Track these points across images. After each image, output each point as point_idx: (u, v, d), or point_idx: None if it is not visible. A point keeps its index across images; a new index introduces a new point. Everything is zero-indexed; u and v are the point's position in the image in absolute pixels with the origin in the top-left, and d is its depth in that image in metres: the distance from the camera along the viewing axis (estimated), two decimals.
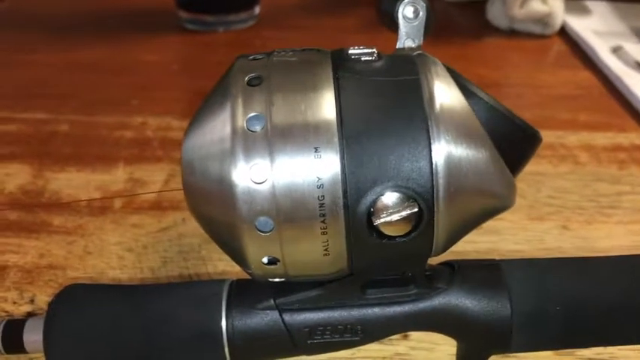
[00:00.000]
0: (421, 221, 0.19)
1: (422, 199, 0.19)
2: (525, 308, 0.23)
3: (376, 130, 0.19)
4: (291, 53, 0.21)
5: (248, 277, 0.22)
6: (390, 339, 0.29)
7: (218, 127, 0.19)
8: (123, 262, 0.34)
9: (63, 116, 0.48)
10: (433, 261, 0.22)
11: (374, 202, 0.19)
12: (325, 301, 0.22)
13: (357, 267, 0.21)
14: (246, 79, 0.20)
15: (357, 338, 0.23)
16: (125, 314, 0.23)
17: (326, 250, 0.20)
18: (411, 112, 0.19)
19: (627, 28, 0.63)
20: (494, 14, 0.64)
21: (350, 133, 0.19)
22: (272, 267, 0.20)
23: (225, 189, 0.19)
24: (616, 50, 0.58)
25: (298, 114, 0.19)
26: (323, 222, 0.19)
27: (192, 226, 0.36)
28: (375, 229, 0.19)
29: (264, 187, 0.19)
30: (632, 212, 0.39)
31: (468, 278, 0.23)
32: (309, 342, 0.23)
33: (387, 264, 0.21)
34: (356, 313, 0.23)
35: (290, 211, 0.19)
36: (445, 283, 0.23)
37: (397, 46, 0.23)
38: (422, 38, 0.23)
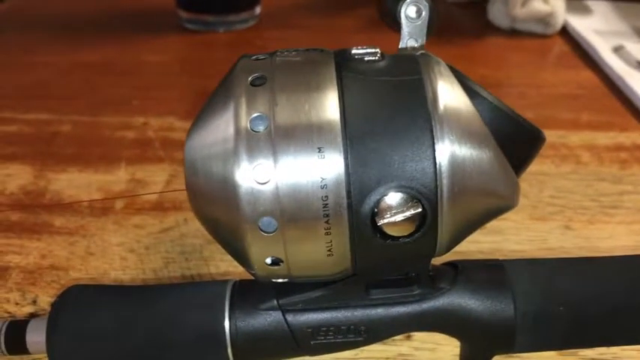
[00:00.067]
0: (425, 221, 0.19)
1: (426, 199, 0.19)
2: (529, 308, 0.23)
3: (380, 130, 0.19)
4: (294, 53, 0.21)
5: (251, 277, 0.22)
6: (394, 339, 0.29)
7: (221, 127, 0.19)
8: (125, 263, 0.34)
9: (64, 117, 0.48)
10: (436, 261, 0.22)
11: (378, 202, 0.19)
12: (328, 302, 0.22)
13: (361, 267, 0.21)
14: (250, 79, 0.20)
15: (360, 339, 0.23)
16: (127, 315, 0.23)
17: (329, 250, 0.20)
18: (415, 112, 0.19)
19: (629, 27, 0.63)
20: (496, 14, 0.64)
21: (354, 134, 0.19)
22: (275, 267, 0.20)
23: (228, 189, 0.19)
24: (617, 50, 0.58)
25: (302, 114, 0.19)
26: (327, 222, 0.19)
27: (194, 226, 0.36)
28: (379, 230, 0.19)
29: (268, 188, 0.19)
30: (634, 212, 0.39)
31: (471, 278, 0.23)
32: (312, 342, 0.23)
33: (391, 264, 0.21)
34: (359, 313, 0.23)
35: (294, 212, 0.19)
36: (448, 284, 0.23)
37: (400, 46, 0.23)
38: (424, 38, 0.23)
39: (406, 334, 0.29)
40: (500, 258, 0.25)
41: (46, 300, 0.32)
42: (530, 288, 0.23)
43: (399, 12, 0.23)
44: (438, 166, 0.19)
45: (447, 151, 0.19)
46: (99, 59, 0.59)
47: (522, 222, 0.37)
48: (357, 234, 0.19)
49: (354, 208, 0.19)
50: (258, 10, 0.65)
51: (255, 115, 0.19)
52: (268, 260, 0.20)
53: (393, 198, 0.19)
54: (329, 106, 0.19)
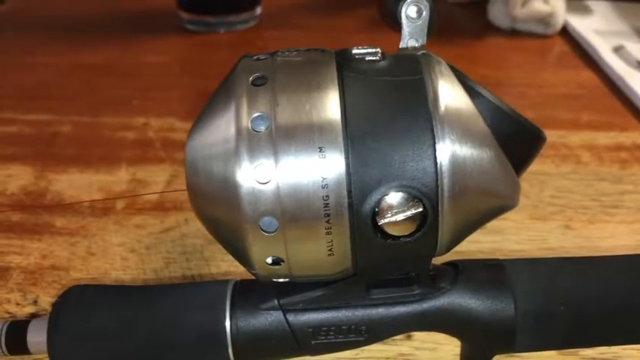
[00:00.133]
0: (426, 221, 0.19)
1: (426, 198, 0.19)
2: (529, 308, 0.23)
3: (381, 130, 0.19)
4: (295, 53, 0.21)
5: (252, 277, 0.22)
6: (394, 339, 0.29)
7: (222, 127, 0.19)
8: (126, 263, 0.34)
9: (65, 117, 0.48)
10: (437, 261, 0.22)
11: (378, 202, 0.19)
12: (329, 302, 0.22)
13: (362, 267, 0.21)
14: (251, 79, 0.20)
15: (361, 338, 0.23)
16: (128, 315, 0.23)
17: (330, 250, 0.20)
18: (416, 112, 0.19)
19: (629, 27, 0.63)
20: (496, 14, 0.64)
21: (354, 133, 0.19)
22: (276, 267, 0.20)
23: (229, 189, 0.19)
24: (618, 50, 0.58)
25: (303, 114, 0.19)
26: (327, 222, 0.19)
27: (195, 226, 0.36)
28: (380, 229, 0.19)
29: (269, 188, 0.19)
30: (634, 211, 0.39)
31: (471, 278, 0.23)
32: (313, 342, 0.23)
33: (392, 264, 0.21)
34: (360, 313, 0.23)
35: (294, 212, 0.19)
36: (449, 283, 0.23)
37: (400, 46, 0.23)
38: (425, 38, 0.23)
39: (407, 334, 0.29)
40: (501, 258, 0.25)
41: (46, 300, 0.32)
42: (531, 288, 0.23)
43: (400, 12, 0.23)
44: (438, 165, 0.19)
45: (448, 150, 0.19)
46: (100, 60, 0.59)
47: (523, 222, 0.37)
48: (357, 233, 0.19)
49: (355, 208, 0.19)
50: (258, 10, 0.65)
51: (256, 115, 0.19)
52: (269, 260, 0.20)
53: (394, 197, 0.19)
54: (330, 105, 0.19)
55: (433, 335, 0.25)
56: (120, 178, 0.41)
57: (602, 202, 0.39)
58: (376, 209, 0.19)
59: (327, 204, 0.19)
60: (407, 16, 0.23)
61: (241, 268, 0.22)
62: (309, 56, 0.21)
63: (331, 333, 0.23)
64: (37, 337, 0.23)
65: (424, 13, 0.23)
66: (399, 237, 0.19)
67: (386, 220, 0.19)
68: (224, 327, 0.22)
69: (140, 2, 0.70)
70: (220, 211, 0.20)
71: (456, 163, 0.19)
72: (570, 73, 0.57)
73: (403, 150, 0.19)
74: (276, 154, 0.19)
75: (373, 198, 0.19)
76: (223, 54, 0.60)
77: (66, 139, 0.46)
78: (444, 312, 0.23)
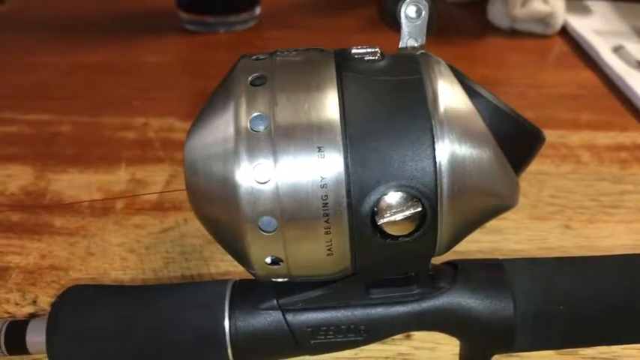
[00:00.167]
0: (425, 221, 0.19)
1: (426, 198, 0.19)
2: (528, 308, 0.23)
3: (380, 130, 0.19)
4: (294, 53, 0.21)
5: (251, 277, 0.22)
6: (393, 339, 0.29)
7: (221, 127, 0.19)
8: (125, 263, 0.34)
9: (65, 117, 0.48)
10: (436, 260, 0.22)
11: (377, 201, 0.19)
12: (328, 301, 0.22)
13: (361, 267, 0.21)
14: (250, 78, 0.20)
15: (360, 338, 0.23)
16: (128, 315, 0.23)
17: (329, 249, 0.20)
18: (415, 112, 0.19)
19: (628, 27, 0.63)
20: (496, 14, 0.64)
21: (353, 133, 0.19)
22: (275, 267, 0.20)
23: (228, 189, 0.19)
24: (617, 50, 0.58)
25: (302, 114, 0.19)
26: (326, 222, 0.19)
27: (194, 226, 0.36)
28: (379, 229, 0.19)
29: (268, 187, 0.19)
30: (634, 211, 0.39)
31: (471, 278, 0.23)
32: (312, 342, 0.23)
33: (391, 264, 0.21)
34: (359, 313, 0.23)
35: (293, 211, 0.19)
36: (448, 283, 0.23)
37: (400, 46, 0.23)
38: (424, 38, 0.23)
39: (406, 334, 0.29)
40: (500, 257, 0.25)
41: (46, 300, 0.32)
42: (530, 287, 0.23)
43: (399, 12, 0.23)
44: (437, 165, 0.19)
45: (447, 150, 0.19)
46: (99, 60, 0.59)
47: (522, 221, 0.37)
48: (356, 233, 0.19)
49: (354, 208, 0.19)
50: (258, 10, 0.65)
51: (255, 114, 0.19)
52: (268, 260, 0.20)
53: (393, 197, 0.19)
54: (329, 105, 0.19)
55: (432, 335, 0.25)
56: (119, 178, 0.41)
57: (602, 202, 0.39)
58: (375, 209, 0.19)
59: (326, 204, 0.19)
60: (406, 16, 0.23)
61: (240, 268, 0.22)
62: (308, 56, 0.21)
63: (330, 333, 0.23)
64: (36, 337, 0.23)
65: (423, 13, 0.23)
66: (398, 237, 0.19)
67: (385, 220, 0.19)
68: (223, 327, 0.22)
69: (140, 2, 0.70)
70: (219, 211, 0.20)
71: (455, 163, 0.19)
72: (570, 73, 0.57)
73: (402, 150, 0.19)
74: (275, 153, 0.19)
75: (372, 198, 0.19)
76: (223, 54, 0.60)
77: (66, 139, 0.46)
78: (443, 312, 0.23)
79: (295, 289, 0.22)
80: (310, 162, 0.19)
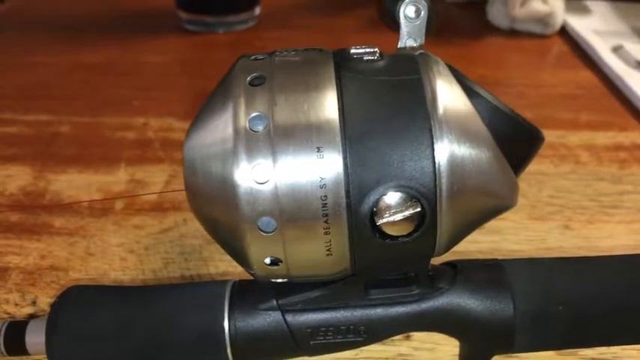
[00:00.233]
0: (424, 221, 0.19)
1: (425, 198, 0.19)
2: (528, 308, 0.23)
3: (379, 130, 0.19)
4: (293, 53, 0.21)
5: (250, 277, 0.22)
6: (393, 339, 0.29)
7: (220, 127, 0.19)
8: (125, 264, 0.34)
9: (64, 117, 0.48)
10: (435, 261, 0.22)
11: (377, 202, 0.19)
12: (328, 302, 0.22)
13: (360, 267, 0.21)
14: (249, 78, 0.20)
15: (360, 339, 0.23)
16: (127, 316, 0.23)
17: (329, 250, 0.20)
18: (414, 112, 0.19)
19: (628, 27, 0.63)
20: (495, 14, 0.64)
21: (352, 133, 0.19)
22: (274, 267, 0.20)
23: (227, 189, 0.19)
24: (616, 50, 0.58)
25: (301, 114, 0.19)
26: (326, 222, 0.19)
27: (194, 227, 0.36)
28: (378, 229, 0.19)
29: (267, 188, 0.19)
30: (633, 212, 0.39)
31: (470, 278, 0.23)
32: (311, 343, 0.23)
33: (390, 264, 0.21)
34: (359, 313, 0.23)
35: (293, 212, 0.19)
36: (448, 284, 0.23)
37: (399, 46, 0.23)
38: (423, 38, 0.23)
39: (405, 334, 0.29)
40: (500, 258, 0.25)
41: (45, 301, 0.32)
42: (530, 288, 0.23)
43: (398, 12, 0.23)
44: (437, 165, 0.19)
45: (446, 150, 0.19)
46: (99, 60, 0.59)
47: (521, 222, 0.37)
48: (356, 233, 0.19)
49: (353, 208, 0.19)
50: (257, 10, 0.65)
51: (254, 114, 0.19)
52: (267, 260, 0.20)
53: (392, 197, 0.19)
54: (328, 105, 0.19)
55: (432, 335, 0.25)
56: (119, 178, 0.41)
57: (601, 202, 0.39)
58: (374, 209, 0.19)
59: (325, 204, 0.19)
60: (405, 16, 0.23)
61: (240, 269, 0.22)
62: (307, 56, 0.21)
63: (330, 333, 0.23)
64: (35, 337, 0.23)
65: (422, 13, 0.23)
66: (398, 237, 0.19)
67: (384, 220, 0.19)
68: (222, 327, 0.22)
69: (140, 2, 0.70)
70: (218, 211, 0.20)
71: (454, 163, 0.19)
72: (569, 73, 0.57)
73: (401, 150, 0.19)
74: (274, 154, 0.19)
75: (371, 198, 0.19)
76: (222, 54, 0.60)
77: (65, 140, 0.46)
78: (442, 312, 0.23)
79: (295, 289, 0.22)
80: (309, 162, 0.19)
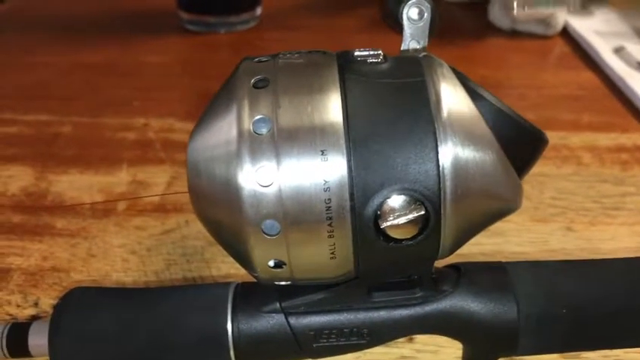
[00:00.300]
0: (428, 224, 0.19)
1: (429, 201, 0.19)
2: (532, 310, 0.23)
3: (383, 133, 0.19)
4: (296, 55, 0.21)
5: (253, 280, 0.22)
6: (396, 342, 0.29)
7: (224, 130, 0.19)
8: (127, 265, 0.34)
9: (65, 118, 0.48)
10: (439, 263, 0.22)
11: (381, 205, 0.19)
12: (331, 304, 0.22)
13: (364, 270, 0.21)
14: (252, 81, 0.20)
15: (363, 341, 0.23)
16: (129, 318, 0.23)
17: (332, 253, 0.20)
18: (418, 115, 0.19)
19: (629, 28, 0.63)
20: (496, 15, 0.64)
21: (356, 136, 0.19)
22: (278, 270, 0.20)
23: (231, 192, 0.19)
24: (618, 51, 0.58)
25: (305, 116, 0.19)
26: (329, 225, 0.19)
27: (196, 228, 0.36)
28: (382, 232, 0.19)
29: (271, 190, 0.19)
30: (636, 213, 0.39)
31: (474, 281, 0.23)
32: (314, 345, 0.23)
33: (394, 267, 0.21)
34: (362, 316, 0.22)
35: (296, 214, 0.19)
36: (451, 286, 0.23)
37: (402, 48, 0.23)
38: (427, 40, 0.23)
39: (408, 337, 0.29)
40: (502, 260, 0.25)
41: (47, 302, 0.32)
42: (533, 290, 0.23)
43: (401, 13, 0.23)
44: (441, 168, 0.19)
45: (450, 153, 0.19)
46: (100, 60, 0.59)
47: (524, 224, 0.37)
48: (360, 237, 0.19)
49: (357, 211, 0.19)
50: (259, 11, 0.65)
51: (258, 117, 0.19)
52: (271, 263, 0.20)
53: (396, 200, 0.19)
54: (332, 108, 0.19)
55: (435, 338, 0.24)
56: (120, 179, 0.41)
57: (604, 204, 0.39)
58: (378, 212, 0.19)
59: (329, 207, 0.19)
60: (408, 18, 0.23)
61: (242, 271, 0.21)
62: (311, 58, 0.21)
63: (333, 336, 0.22)
64: (38, 339, 0.23)
65: (425, 14, 0.23)
66: (402, 240, 0.19)
67: (388, 224, 0.19)
68: (226, 330, 0.22)
69: (140, 2, 0.70)
70: (222, 214, 0.20)
71: (458, 166, 0.19)
72: (571, 74, 0.57)
73: (405, 153, 0.19)
74: (278, 156, 0.19)
75: (375, 201, 0.19)
76: (223, 54, 0.60)
77: (66, 140, 0.46)
78: (446, 315, 0.23)
79: (298, 292, 0.22)
80: (313, 165, 0.19)
